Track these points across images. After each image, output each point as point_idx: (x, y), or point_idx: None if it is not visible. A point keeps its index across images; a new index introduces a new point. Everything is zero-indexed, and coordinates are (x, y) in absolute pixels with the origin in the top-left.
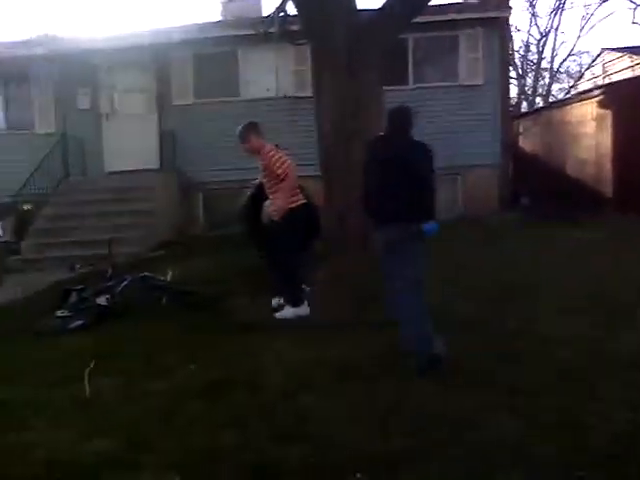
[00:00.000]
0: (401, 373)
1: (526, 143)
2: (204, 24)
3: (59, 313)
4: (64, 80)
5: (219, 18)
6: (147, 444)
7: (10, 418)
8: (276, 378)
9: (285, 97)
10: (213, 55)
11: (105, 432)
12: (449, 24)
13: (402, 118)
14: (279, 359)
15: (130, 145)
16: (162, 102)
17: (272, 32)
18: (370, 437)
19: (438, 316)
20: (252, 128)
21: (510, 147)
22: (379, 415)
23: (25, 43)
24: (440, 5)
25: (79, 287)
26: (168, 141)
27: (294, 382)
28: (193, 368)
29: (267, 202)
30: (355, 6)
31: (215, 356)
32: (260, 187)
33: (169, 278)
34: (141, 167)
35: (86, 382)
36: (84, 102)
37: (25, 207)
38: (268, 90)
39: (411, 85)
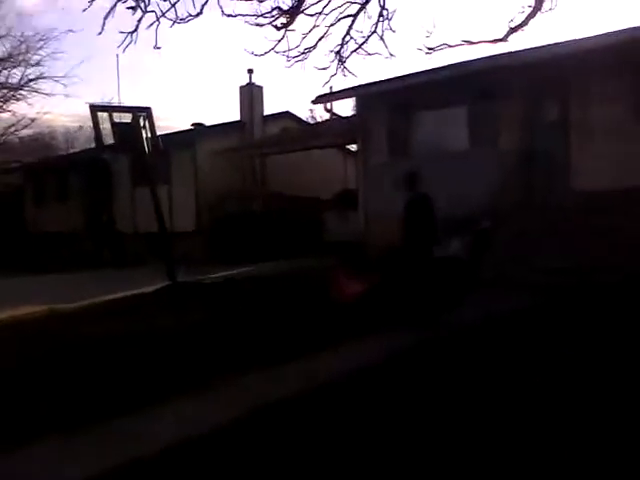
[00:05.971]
0: None
1: None
2: None
3: None
4: (530, 92)
5: None
6: None
7: None
8: None
9: None
10: None
11: None
12: None
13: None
14: None
15: (604, 163)
16: None
17: None
18: None
19: None
20: None
21: None
22: None
23: (490, 56)
24: None
25: None
26: None
27: None
28: None
29: None
30: None
31: None
32: None
33: None
34: (618, 186)
35: None
36: (552, 114)
37: (485, 224)
38: None
39: None
